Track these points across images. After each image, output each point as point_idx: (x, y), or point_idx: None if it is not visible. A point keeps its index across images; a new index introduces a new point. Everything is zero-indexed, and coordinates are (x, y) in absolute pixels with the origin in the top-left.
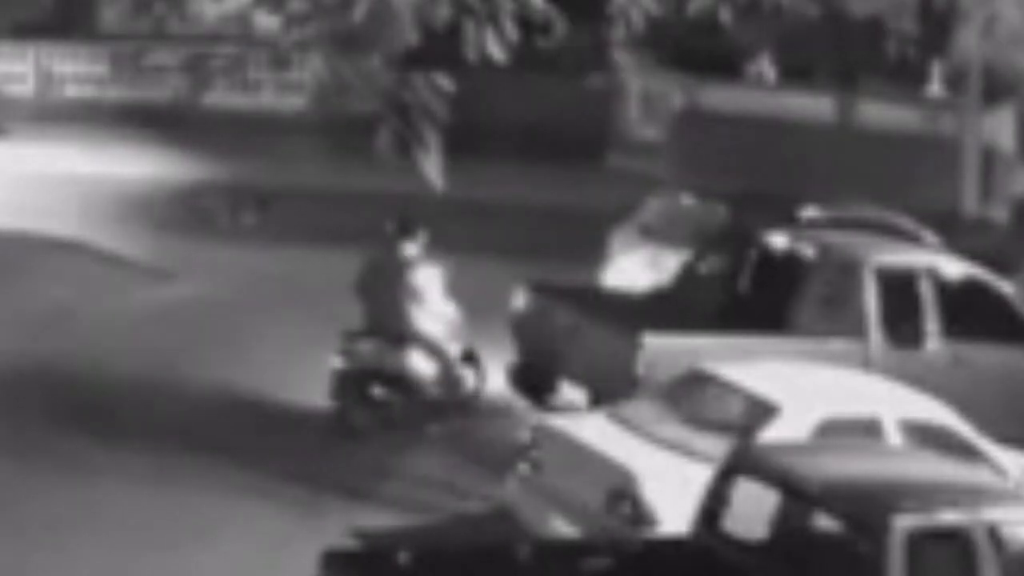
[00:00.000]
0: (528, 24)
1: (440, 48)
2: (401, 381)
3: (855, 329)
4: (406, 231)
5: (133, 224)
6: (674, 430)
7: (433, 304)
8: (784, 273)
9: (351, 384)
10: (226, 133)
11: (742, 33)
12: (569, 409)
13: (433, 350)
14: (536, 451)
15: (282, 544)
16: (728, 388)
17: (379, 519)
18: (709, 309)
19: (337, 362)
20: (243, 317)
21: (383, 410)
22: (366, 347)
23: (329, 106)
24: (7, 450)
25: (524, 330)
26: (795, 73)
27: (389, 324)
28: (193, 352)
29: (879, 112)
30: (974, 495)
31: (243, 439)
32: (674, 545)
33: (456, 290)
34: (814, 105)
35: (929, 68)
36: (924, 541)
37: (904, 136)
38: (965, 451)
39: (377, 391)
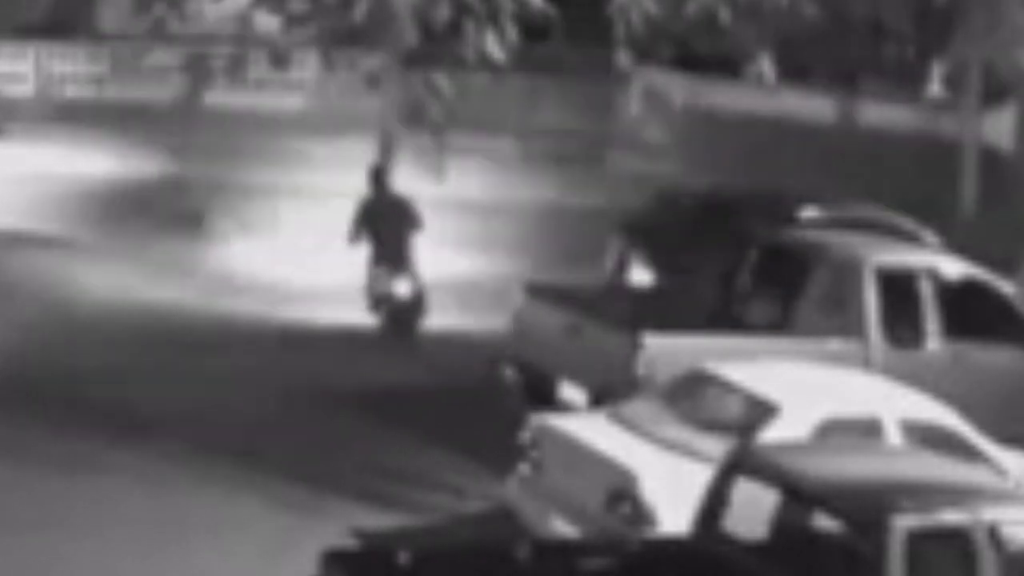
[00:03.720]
0: (528, 25)
1: (440, 48)
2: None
3: (855, 329)
4: (383, 174)
5: (133, 224)
6: (674, 430)
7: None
8: (784, 273)
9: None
10: (226, 133)
11: (742, 33)
12: (569, 409)
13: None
14: (536, 451)
15: (282, 544)
16: (728, 388)
17: (379, 519)
18: (709, 309)
19: (377, 286)
20: (237, 318)
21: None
22: (380, 272)
23: (329, 106)
24: (2, 448)
25: (524, 330)
26: (795, 73)
27: (392, 253)
28: (190, 350)
29: (879, 112)
30: (974, 495)
31: (239, 435)
32: (674, 545)
33: (455, 290)
34: (814, 105)
35: (929, 68)
36: (924, 541)
37: (904, 136)
38: (965, 451)
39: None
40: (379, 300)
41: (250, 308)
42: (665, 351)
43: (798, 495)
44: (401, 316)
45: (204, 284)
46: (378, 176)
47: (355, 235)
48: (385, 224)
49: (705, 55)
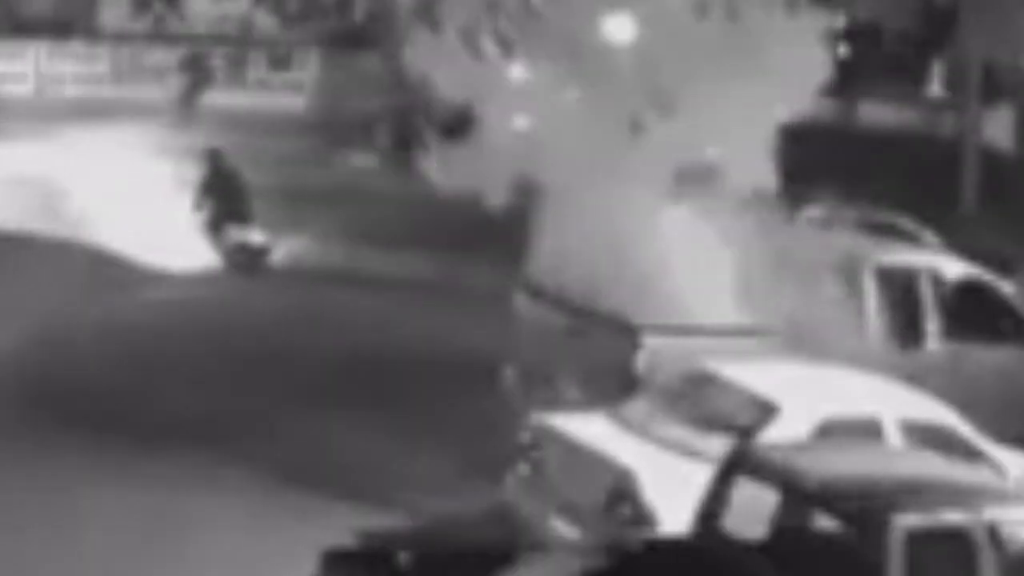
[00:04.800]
0: None
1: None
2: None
3: (855, 329)
4: (219, 153)
5: (133, 224)
6: (674, 430)
7: None
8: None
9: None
10: (225, 132)
11: None
12: (569, 409)
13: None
14: (536, 451)
15: (282, 544)
16: (728, 388)
17: (379, 519)
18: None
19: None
20: (238, 316)
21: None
22: (233, 228)
23: (328, 105)
24: (7, 447)
25: (524, 330)
26: None
27: (239, 213)
28: (191, 349)
29: (879, 112)
30: (974, 495)
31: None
32: (674, 545)
33: (454, 292)
34: (814, 105)
35: (929, 68)
36: (924, 541)
37: (904, 136)
38: (965, 451)
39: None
40: (236, 249)
41: None
42: (665, 351)
43: (798, 495)
44: (255, 259)
45: (208, 283)
46: (215, 157)
47: (199, 205)
48: (227, 193)
49: None
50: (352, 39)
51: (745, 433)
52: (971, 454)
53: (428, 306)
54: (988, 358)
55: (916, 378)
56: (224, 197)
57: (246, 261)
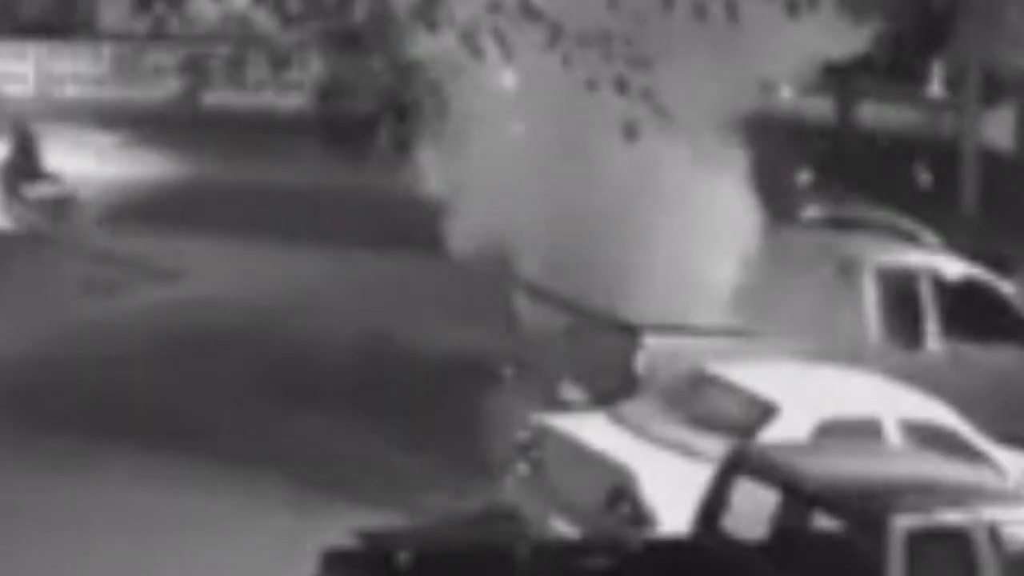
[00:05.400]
0: None
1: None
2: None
3: (855, 329)
4: (20, 128)
5: (134, 224)
6: (674, 430)
7: None
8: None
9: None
10: (225, 133)
11: None
12: (569, 409)
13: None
14: (536, 451)
15: (282, 544)
16: (728, 388)
17: (379, 519)
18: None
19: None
20: (242, 316)
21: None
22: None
23: (329, 105)
24: (12, 448)
25: (524, 330)
26: None
27: (34, 169)
28: (194, 350)
29: (879, 112)
30: (974, 495)
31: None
32: (674, 545)
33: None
34: (815, 105)
35: (929, 68)
36: (924, 541)
37: (904, 136)
38: (965, 451)
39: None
40: (39, 205)
41: None
42: (665, 351)
43: (798, 495)
44: (62, 209)
45: (211, 283)
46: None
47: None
48: (17, 152)
49: None
50: (352, 39)
51: (745, 433)
52: (971, 454)
53: (428, 305)
54: (988, 358)
55: (916, 378)
56: (15, 156)
57: (56, 213)
